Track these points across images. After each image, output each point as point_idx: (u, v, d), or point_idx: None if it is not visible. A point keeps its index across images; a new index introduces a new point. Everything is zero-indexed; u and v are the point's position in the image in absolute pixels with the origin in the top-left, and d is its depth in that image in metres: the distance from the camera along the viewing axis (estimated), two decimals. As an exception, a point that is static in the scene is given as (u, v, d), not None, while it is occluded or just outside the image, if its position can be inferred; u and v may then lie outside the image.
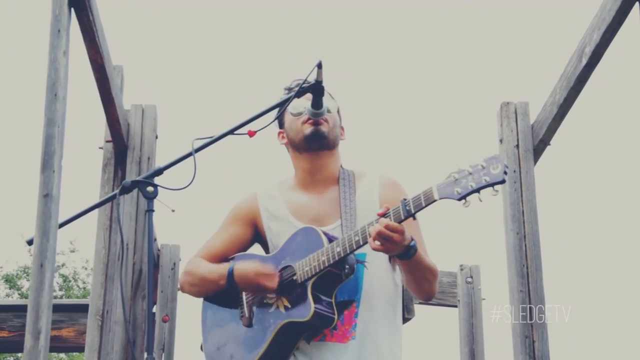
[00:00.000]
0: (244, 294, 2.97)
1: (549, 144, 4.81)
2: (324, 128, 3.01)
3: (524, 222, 4.67)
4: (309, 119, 3.01)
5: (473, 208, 2.55)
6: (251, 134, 2.92)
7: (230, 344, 2.95)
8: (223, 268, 2.95)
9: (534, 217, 4.70)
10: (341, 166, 3.08)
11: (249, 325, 2.92)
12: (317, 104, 2.99)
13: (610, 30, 3.84)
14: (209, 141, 2.92)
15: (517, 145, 4.83)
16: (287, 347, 2.86)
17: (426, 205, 2.60)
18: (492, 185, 2.49)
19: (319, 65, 2.91)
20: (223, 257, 3.04)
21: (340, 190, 3.00)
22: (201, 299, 3.09)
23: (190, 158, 2.84)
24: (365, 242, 2.71)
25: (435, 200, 2.57)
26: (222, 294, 2.99)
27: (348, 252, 2.75)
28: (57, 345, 6.36)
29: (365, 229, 2.72)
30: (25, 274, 19.19)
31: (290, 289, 2.85)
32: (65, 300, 14.68)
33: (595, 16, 3.97)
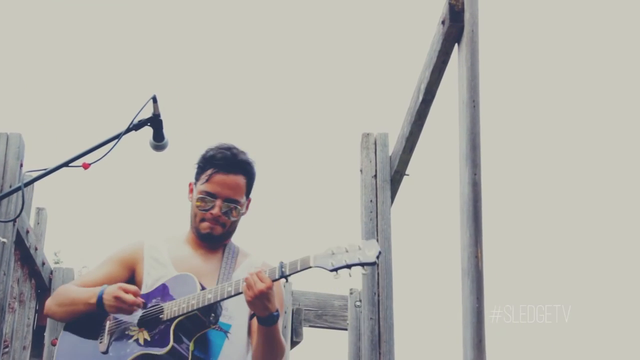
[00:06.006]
0: (107, 321, 3.05)
1: (406, 174, 4.91)
2: (216, 232, 3.11)
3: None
4: (210, 218, 3.09)
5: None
6: (85, 166, 3.01)
7: None
8: (95, 289, 3.06)
9: (388, 246, 4.80)
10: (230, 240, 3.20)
11: (105, 352, 3.00)
12: (157, 136, 3.08)
13: (438, 69, 3.96)
14: (42, 174, 3.00)
15: (375, 176, 4.93)
16: None
17: (301, 270, 2.79)
18: (362, 264, 2.72)
19: (154, 99, 3.01)
20: None
21: (223, 262, 3.12)
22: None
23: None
24: (238, 293, 2.85)
25: (310, 267, 2.77)
26: (85, 322, 3.07)
27: (218, 299, 2.88)
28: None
29: (239, 282, 2.85)
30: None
31: (154, 324, 2.95)
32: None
33: (427, 54, 4.09)
